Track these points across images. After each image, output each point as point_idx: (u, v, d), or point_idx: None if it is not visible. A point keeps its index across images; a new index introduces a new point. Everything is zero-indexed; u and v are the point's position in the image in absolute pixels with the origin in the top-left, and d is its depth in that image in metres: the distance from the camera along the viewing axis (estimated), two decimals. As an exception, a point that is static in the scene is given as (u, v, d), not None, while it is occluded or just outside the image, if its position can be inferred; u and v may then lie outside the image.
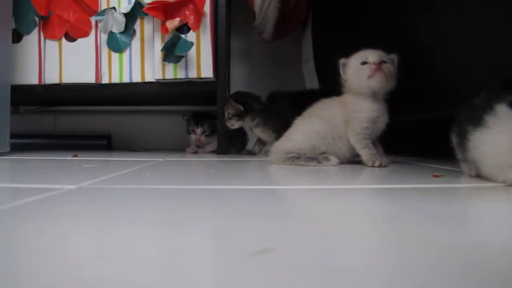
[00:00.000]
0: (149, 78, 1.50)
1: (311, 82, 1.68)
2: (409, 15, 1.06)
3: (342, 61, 1.03)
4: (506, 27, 0.77)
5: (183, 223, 0.40)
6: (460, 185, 0.69)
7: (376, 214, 0.47)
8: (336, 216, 0.46)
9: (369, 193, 0.64)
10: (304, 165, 0.98)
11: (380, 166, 0.95)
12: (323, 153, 1.01)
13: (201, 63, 1.45)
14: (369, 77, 0.97)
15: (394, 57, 1.02)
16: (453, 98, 0.99)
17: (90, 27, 1.50)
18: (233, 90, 2.02)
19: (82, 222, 0.41)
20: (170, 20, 1.42)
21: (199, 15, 1.43)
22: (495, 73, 0.83)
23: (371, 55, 0.99)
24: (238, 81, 2.08)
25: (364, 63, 0.99)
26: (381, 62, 0.98)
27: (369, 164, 0.97)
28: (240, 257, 0.29)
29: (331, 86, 1.09)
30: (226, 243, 0.33)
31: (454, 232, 0.37)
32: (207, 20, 1.45)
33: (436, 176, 0.77)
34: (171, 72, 1.46)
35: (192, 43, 1.41)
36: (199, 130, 1.65)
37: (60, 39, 1.51)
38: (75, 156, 1.31)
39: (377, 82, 0.98)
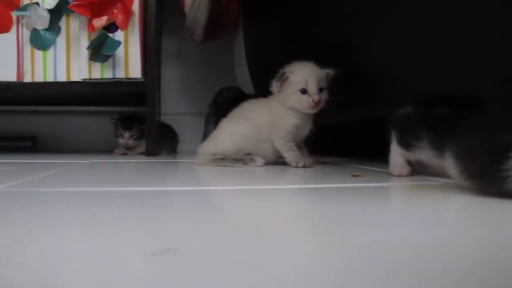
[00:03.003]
0: (75, 77, 1.45)
1: (244, 84, 1.69)
2: (339, 20, 1.09)
3: (284, 75, 1.01)
4: (431, 36, 0.81)
5: (96, 225, 0.40)
6: (378, 184, 0.72)
7: (293, 213, 0.49)
8: (253, 216, 0.47)
9: (288, 193, 0.65)
10: (230, 166, 0.99)
11: (304, 166, 0.98)
12: (248, 154, 1.02)
13: (129, 63, 1.42)
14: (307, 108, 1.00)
15: (330, 72, 1.03)
16: (381, 100, 1.03)
17: (11, 22, 1.43)
18: (164, 91, 2.01)
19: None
20: (98, 18, 1.39)
21: (127, 14, 1.40)
22: (422, 79, 0.87)
23: (311, 83, 0.99)
24: (170, 82, 2.06)
25: (304, 90, 0.99)
26: (320, 90, 1.00)
27: (293, 165, 0.99)
28: (144, 257, 0.29)
29: (266, 89, 1.10)
30: (134, 243, 0.33)
31: (369, 231, 0.38)
32: (136, 19, 1.42)
33: (355, 176, 0.80)
34: (98, 72, 1.42)
35: (119, 42, 1.38)
36: (126, 135, 1.61)
37: (-23, 34, 1.43)
38: (-7, 158, 1.25)
39: (312, 112, 1.02)
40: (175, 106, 2.04)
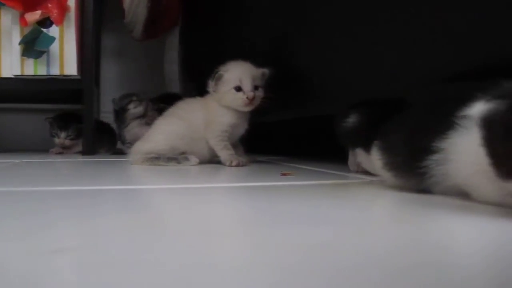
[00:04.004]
0: (6, 73, 1.40)
1: (171, 82, 1.68)
2: (276, 23, 1.10)
3: (218, 74, 1.01)
4: (361, 38, 0.83)
5: (10, 222, 0.39)
6: (305, 183, 0.73)
7: (219, 211, 0.49)
8: (179, 214, 0.47)
9: (218, 191, 0.66)
10: (164, 165, 0.98)
11: (238, 165, 0.99)
12: (183, 153, 1.02)
13: (64, 59, 1.38)
14: (242, 105, 1.01)
15: (265, 71, 1.04)
16: (318, 100, 1.05)
17: None
18: (104, 88, 1.97)
19: None
20: (31, 13, 1.34)
21: (63, 9, 1.37)
22: (356, 79, 0.90)
23: (246, 81, 0.99)
24: (110, 79, 2.01)
25: (238, 88, 1.00)
26: (255, 88, 1.00)
27: (227, 164, 0.99)
28: (41, 255, 0.29)
29: (193, 88, 1.10)
30: (37, 241, 0.32)
31: (292, 230, 0.39)
32: (72, 15, 1.39)
33: (284, 174, 0.82)
34: (31, 68, 1.38)
35: (54, 38, 1.35)
36: (63, 135, 1.56)
37: None
38: None
39: (247, 110, 1.03)
40: (116, 104, 2.00)
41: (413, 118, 0.62)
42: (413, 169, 0.56)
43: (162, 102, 1.48)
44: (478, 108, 0.45)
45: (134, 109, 1.48)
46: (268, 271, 0.27)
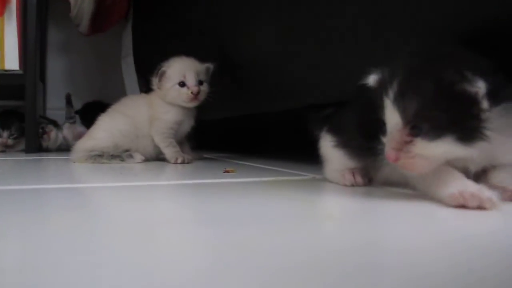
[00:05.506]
0: None
1: (129, 77, 1.64)
2: (225, 16, 1.09)
3: (161, 70, 1.00)
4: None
5: None
6: (246, 180, 0.74)
7: (153, 210, 0.49)
8: (112, 214, 0.46)
9: (158, 189, 0.65)
10: (107, 163, 0.96)
11: (183, 162, 0.98)
12: (127, 150, 1.00)
13: (5, 53, 1.33)
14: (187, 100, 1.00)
15: (210, 66, 1.03)
16: (262, 97, 1.05)
17: None
18: (50, 84, 1.91)
19: None
20: (-32, 5, 1.28)
21: (3, 1, 1.31)
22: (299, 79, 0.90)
23: (190, 76, 0.99)
24: (57, 75, 1.95)
25: (182, 83, 0.99)
26: (200, 83, 1.00)
27: (172, 161, 0.99)
28: None
29: (150, 83, 1.08)
30: None
31: (220, 230, 0.39)
32: (13, 7, 1.33)
33: (227, 171, 0.82)
34: (-31, 62, 1.32)
35: (-7, 31, 1.29)
36: (5, 134, 1.49)
37: None
38: None
39: (192, 105, 1.02)
40: (62, 101, 1.94)
41: (365, 106, 0.63)
42: (366, 150, 0.58)
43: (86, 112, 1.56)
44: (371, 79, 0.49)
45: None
46: (187, 271, 0.27)
